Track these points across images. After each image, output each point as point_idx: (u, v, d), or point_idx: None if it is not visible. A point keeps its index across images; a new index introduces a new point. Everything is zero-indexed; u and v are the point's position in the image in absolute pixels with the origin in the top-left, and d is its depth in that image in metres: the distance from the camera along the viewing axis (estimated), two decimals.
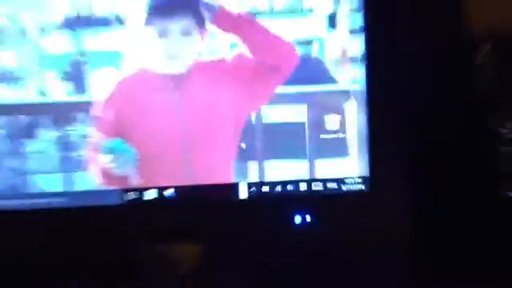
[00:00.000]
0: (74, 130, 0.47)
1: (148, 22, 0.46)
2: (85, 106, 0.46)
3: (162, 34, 0.46)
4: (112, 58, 0.46)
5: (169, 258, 0.46)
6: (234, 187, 0.47)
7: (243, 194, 0.47)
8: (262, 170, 0.47)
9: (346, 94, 0.46)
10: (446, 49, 0.44)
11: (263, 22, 0.45)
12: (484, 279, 0.40)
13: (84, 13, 0.46)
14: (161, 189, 0.47)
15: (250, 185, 0.47)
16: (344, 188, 0.47)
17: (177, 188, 0.47)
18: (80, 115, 0.47)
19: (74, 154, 0.47)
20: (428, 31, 0.44)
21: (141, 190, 0.48)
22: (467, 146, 0.45)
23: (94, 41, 0.46)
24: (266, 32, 0.45)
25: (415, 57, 0.45)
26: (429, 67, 0.45)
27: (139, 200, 0.47)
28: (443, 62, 0.45)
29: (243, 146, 0.47)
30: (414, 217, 0.45)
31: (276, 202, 0.47)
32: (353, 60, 0.46)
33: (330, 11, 0.45)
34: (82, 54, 0.46)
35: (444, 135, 0.45)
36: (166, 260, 0.46)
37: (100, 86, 0.47)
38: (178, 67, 0.46)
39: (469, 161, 0.45)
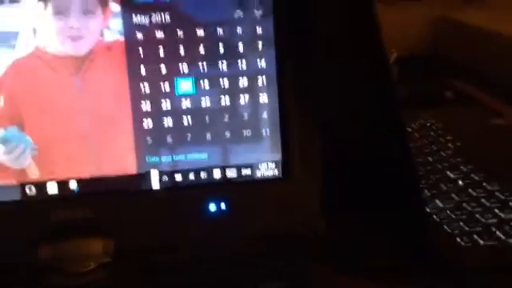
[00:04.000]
0: None
1: None
2: None
3: (61, 11, 0.42)
4: (1, 38, 0.42)
5: (74, 256, 0.43)
6: (144, 177, 0.45)
7: (155, 183, 0.45)
8: (173, 158, 0.45)
9: (258, 74, 0.45)
10: (362, 34, 0.45)
11: None
12: (400, 277, 0.42)
13: None
14: (62, 182, 0.44)
15: (161, 173, 0.45)
16: (258, 174, 0.46)
17: (79, 180, 0.44)
18: None
19: None
20: (343, 17, 0.45)
21: (40, 184, 0.44)
22: (381, 128, 0.46)
23: None
24: None
25: (329, 39, 0.45)
26: (344, 50, 0.46)
27: (40, 195, 0.44)
28: (359, 45, 0.45)
29: (153, 132, 0.44)
30: (330, 204, 0.45)
31: (190, 190, 0.45)
32: (264, 41, 0.45)
33: None
34: None
35: (358, 119, 0.47)
36: (71, 258, 0.43)
37: None
38: (79, 49, 0.43)
39: (383, 145, 0.46)
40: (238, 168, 0.46)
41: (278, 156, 0.46)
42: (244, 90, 0.45)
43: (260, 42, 0.45)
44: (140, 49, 0.44)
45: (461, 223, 0.47)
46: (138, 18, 0.43)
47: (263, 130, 0.46)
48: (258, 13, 0.45)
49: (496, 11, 0.88)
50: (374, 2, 0.43)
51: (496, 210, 0.49)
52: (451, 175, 0.56)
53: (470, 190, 0.52)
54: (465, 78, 0.82)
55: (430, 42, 0.92)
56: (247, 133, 0.46)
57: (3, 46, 0.42)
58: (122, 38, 0.43)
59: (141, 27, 0.43)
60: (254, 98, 0.45)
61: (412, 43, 0.90)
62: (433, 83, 0.83)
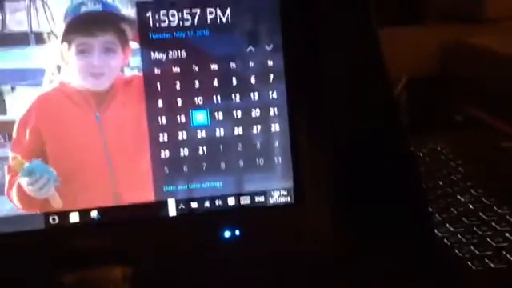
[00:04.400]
0: None
1: (67, 38, 0.45)
2: (2, 127, 0.44)
3: (84, 51, 0.45)
4: (28, 76, 0.45)
5: (95, 283, 0.44)
6: (162, 205, 0.47)
7: (172, 211, 0.47)
8: (189, 186, 0.47)
9: (270, 105, 0.47)
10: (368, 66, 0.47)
11: None
12: None
13: None
14: (83, 211, 0.46)
15: (178, 202, 0.47)
16: (271, 201, 0.48)
17: (100, 209, 0.46)
18: None
19: None
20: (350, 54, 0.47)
21: (63, 213, 0.46)
22: (390, 155, 0.47)
23: (8, 59, 0.44)
24: None
25: (337, 71, 0.47)
26: (351, 80, 0.47)
27: (62, 224, 0.45)
28: (365, 77, 0.47)
29: (170, 162, 0.46)
30: (341, 229, 0.47)
31: (205, 217, 0.47)
32: (275, 74, 0.47)
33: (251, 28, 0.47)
34: None
35: (367, 148, 0.48)
36: (92, 285, 0.44)
37: (17, 104, 0.45)
38: (100, 84, 0.45)
39: (391, 169, 0.47)
40: (252, 195, 0.48)
41: (290, 183, 0.48)
42: (256, 121, 0.47)
43: (271, 75, 0.47)
44: (158, 83, 0.46)
45: (471, 247, 0.47)
46: (156, 55, 0.46)
47: (275, 159, 0.48)
48: (268, 48, 0.47)
49: (506, 34, 0.89)
50: (379, 39, 0.45)
51: (507, 234, 0.49)
52: (462, 199, 0.57)
53: (481, 214, 0.53)
54: (475, 102, 0.83)
55: (439, 66, 0.93)
56: (260, 161, 0.47)
57: (31, 82, 0.45)
58: (140, 74, 0.46)
59: (158, 63, 0.46)
60: (266, 127, 0.47)
61: (421, 67, 0.91)
62: (443, 107, 0.84)
